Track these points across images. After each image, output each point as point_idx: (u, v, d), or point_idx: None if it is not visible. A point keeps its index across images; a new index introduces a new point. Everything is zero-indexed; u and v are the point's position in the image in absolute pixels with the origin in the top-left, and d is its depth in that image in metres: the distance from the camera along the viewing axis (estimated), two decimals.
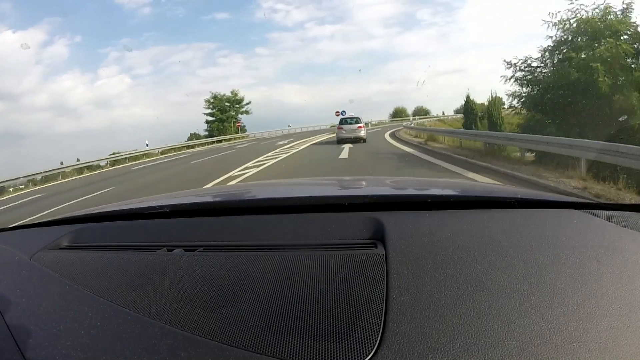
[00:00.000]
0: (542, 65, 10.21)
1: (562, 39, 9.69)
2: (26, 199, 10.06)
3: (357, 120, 15.14)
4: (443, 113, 46.98)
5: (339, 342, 0.39)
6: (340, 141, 14.41)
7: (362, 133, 14.68)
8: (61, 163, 16.82)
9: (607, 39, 8.66)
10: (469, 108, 24.30)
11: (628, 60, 8.78)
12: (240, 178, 7.72)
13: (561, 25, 9.52)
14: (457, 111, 46.58)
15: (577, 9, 9.28)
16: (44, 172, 15.10)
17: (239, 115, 37.11)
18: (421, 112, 48.35)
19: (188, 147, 25.18)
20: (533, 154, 8.08)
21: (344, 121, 15.38)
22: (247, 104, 38.22)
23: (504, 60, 10.31)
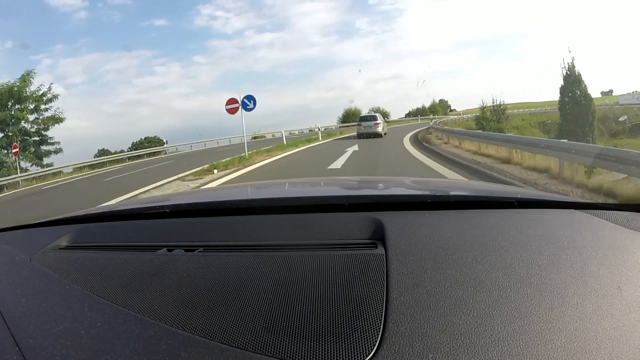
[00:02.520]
0: None
1: None
2: None
3: (374, 117, 17.19)
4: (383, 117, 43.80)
5: (339, 342, 0.38)
6: (360, 135, 16.52)
7: (379, 129, 16.36)
8: None
9: None
10: (587, 99, 12.92)
11: None
12: None
13: None
14: (408, 114, 45.70)
15: None
16: None
17: (36, 128, 18.39)
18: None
19: None
20: None
21: (363, 118, 17.42)
22: (52, 99, 18.64)
23: None
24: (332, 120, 40.96)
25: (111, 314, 0.47)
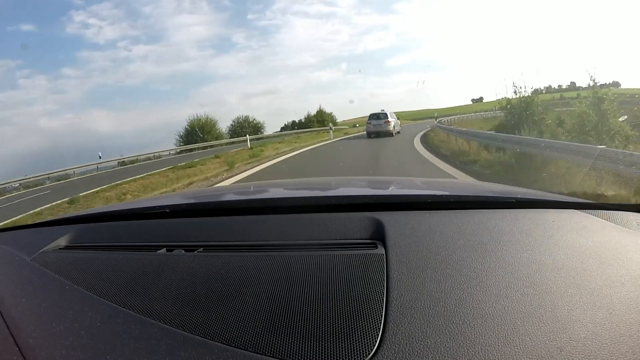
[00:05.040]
0: None
1: None
2: None
3: (385, 115, 16.08)
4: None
5: (339, 342, 0.38)
6: (370, 134, 15.54)
7: (390, 127, 15.30)
8: None
9: None
10: None
11: None
12: None
13: None
14: (284, 128, 35.07)
15: None
16: None
17: None
18: (246, 126, 28.97)
19: None
20: None
21: (374, 116, 16.26)
22: None
23: None
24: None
25: (111, 314, 0.47)
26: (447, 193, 0.93)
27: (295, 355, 0.38)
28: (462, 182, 2.55)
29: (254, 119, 30.68)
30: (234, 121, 30.61)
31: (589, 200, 0.79)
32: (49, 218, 0.93)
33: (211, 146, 21.86)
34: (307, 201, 0.82)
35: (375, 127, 15.73)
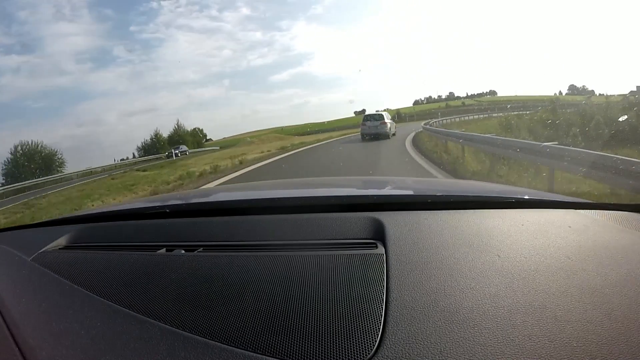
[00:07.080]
0: None
1: None
2: None
3: (380, 116, 15.35)
4: (128, 157, 26.95)
5: (339, 342, 0.38)
6: (364, 136, 14.91)
7: (387, 129, 14.69)
8: None
9: None
10: None
11: None
12: None
13: None
14: (145, 150, 30.11)
15: None
16: None
17: None
18: (36, 160, 19.98)
19: None
20: None
21: (368, 117, 15.55)
22: None
23: None
24: (75, 165, 18.46)
25: (111, 314, 0.47)
26: (447, 193, 0.93)
27: (295, 355, 0.38)
28: (461, 182, 2.55)
29: (45, 148, 19.00)
30: (12, 153, 18.42)
31: (588, 200, 0.79)
32: (49, 218, 0.93)
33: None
34: (307, 201, 0.82)
35: (371, 128, 15.06)
